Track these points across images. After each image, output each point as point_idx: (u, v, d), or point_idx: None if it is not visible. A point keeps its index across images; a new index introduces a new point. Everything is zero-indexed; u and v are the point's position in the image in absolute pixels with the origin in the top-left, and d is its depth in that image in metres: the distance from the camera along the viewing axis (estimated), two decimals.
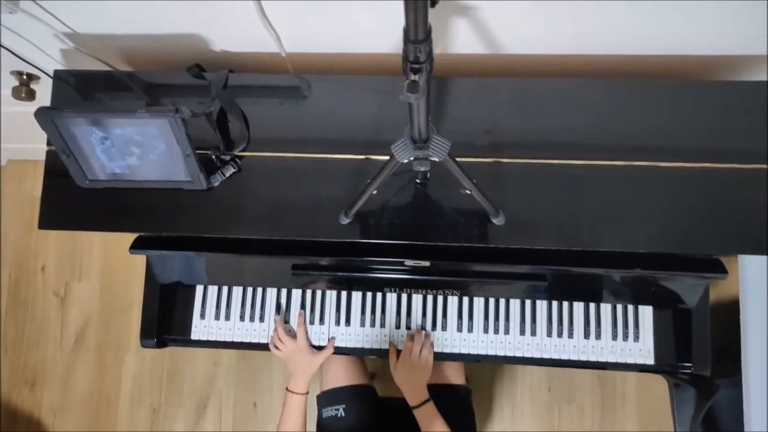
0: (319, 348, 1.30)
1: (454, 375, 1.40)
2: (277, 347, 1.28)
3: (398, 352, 1.28)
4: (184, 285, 1.34)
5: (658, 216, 1.02)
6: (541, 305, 1.29)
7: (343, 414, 1.31)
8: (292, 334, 1.29)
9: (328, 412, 1.32)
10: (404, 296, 1.31)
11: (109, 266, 2.18)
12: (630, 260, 1.16)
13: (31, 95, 1.21)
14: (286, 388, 1.24)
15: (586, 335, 1.27)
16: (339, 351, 1.31)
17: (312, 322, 1.31)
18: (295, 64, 1.21)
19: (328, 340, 1.31)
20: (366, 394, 1.39)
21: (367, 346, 1.30)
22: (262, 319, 1.33)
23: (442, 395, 1.22)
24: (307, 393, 1.25)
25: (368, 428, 1.31)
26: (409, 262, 1.23)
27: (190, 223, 1.08)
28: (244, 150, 1.08)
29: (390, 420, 1.39)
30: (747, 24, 0.96)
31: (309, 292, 1.33)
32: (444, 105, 1.07)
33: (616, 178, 1.03)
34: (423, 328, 1.30)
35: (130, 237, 1.27)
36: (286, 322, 1.32)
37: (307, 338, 1.29)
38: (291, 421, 1.22)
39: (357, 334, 1.31)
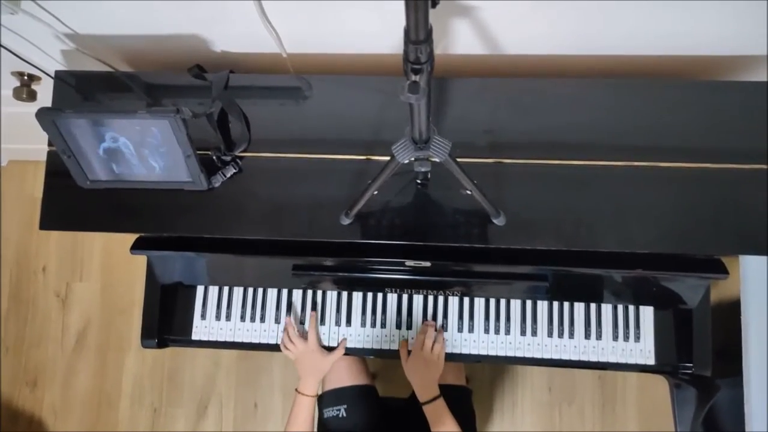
0: (330, 349, 1.29)
1: (454, 375, 1.40)
2: (287, 348, 1.27)
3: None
4: (185, 285, 1.34)
5: (658, 216, 1.02)
6: (542, 305, 1.29)
7: (344, 414, 1.31)
8: (302, 336, 1.28)
9: (330, 412, 1.32)
10: (405, 297, 1.31)
11: (110, 267, 2.18)
12: (631, 261, 1.16)
13: (32, 96, 1.21)
14: (296, 390, 1.23)
15: (587, 335, 1.27)
16: None
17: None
18: (295, 65, 1.21)
19: (339, 341, 1.30)
20: (367, 394, 1.39)
21: (368, 346, 1.30)
22: (262, 319, 1.33)
23: (442, 395, 1.21)
24: (317, 395, 1.24)
25: (370, 428, 1.31)
26: (409, 263, 1.23)
27: (190, 224, 1.08)
28: (244, 150, 1.08)
29: (391, 420, 1.39)
30: (747, 24, 0.96)
31: (310, 293, 1.33)
32: (445, 105, 1.07)
33: (617, 178, 1.03)
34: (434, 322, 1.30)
35: (130, 237, 1.27)
36: (302, 322, 1.32)
37: (318, 340, 1.28)
38: (299, 423, 1.21)
39: (358, 335, 1.31)
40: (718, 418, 1.41)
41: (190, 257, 1.29)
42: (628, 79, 1.08)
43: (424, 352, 1.22)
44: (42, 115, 0.93)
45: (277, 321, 1.32)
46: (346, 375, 1.37)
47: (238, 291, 1.34)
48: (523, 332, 1.28)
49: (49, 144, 1.09)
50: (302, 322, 1.32)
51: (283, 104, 1.10)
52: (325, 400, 1.36)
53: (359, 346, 1.30)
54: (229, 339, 1.33)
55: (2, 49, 1.06)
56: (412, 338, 1.28)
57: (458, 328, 1.29)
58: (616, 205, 1.03)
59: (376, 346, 1.30)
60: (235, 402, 2.08)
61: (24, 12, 0.96)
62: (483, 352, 1.28)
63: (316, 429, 1.33)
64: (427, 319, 1.30)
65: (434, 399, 1.19)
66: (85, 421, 2.11)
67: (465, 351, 1.28)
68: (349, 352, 1.30)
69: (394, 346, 1.29)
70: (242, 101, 1.10)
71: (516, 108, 1.07)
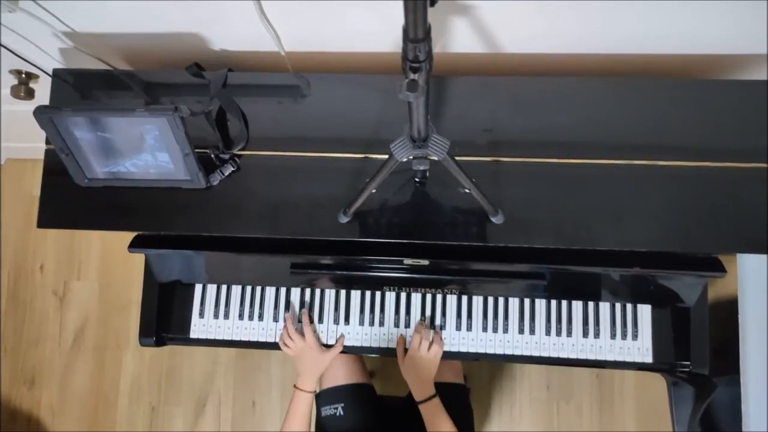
0: (328, 346, 1.29)
1: (452, 374, 1.40)
2: (286, 345, 1.27)
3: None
4: (183, 284, 1.34)
5: (657, 215, 1.02)
6: (540, 304, 1.29)
7: (341, 413, 1.31)
8: (301, 332, 1.29)
9: (327, 410, 1.32)
10: (403, 295, 1.32)
11: (108, 265, 2.18)
12: (629, 259, 1.16)
13: (30, 94, 1.21)
14: (294, 386, 1.24)
15: (585, 334, 1.27)
16: None
17: (311, 321, 1.31)
18: (294, 63, 1.21)
19: (337, 338, 1.31)
20: (365, 392, 1.39)
21: (366, 344, 1.30)
22: (261, 317, 1.33)
23: (439, 394, 1.21)
24: (315, 391, 1.25)
25: (367, 427, 1.31)
26: (408, 261, 1.23)
27: (188, 222, 1.08)
28: (243, 149, 1.08)
29: (389, 419, 1.39)
30: (747, 23, 0.97)
31: (308, 291, 1.33)
32: (443, 104, 1.07)
33: (616, 176, 1.04)
34: (432, 324, 1.30)
35: (128, 236, 1.27)
36: (300, 321, 1.32)
37: (316, 336, 1.28)
38: (297, 419, 1.21)
39: (356, 333, 1.31)
40: (715, 417, 1.42)
41: (188, 255, 1.29)
42: (627, 78, 1.08)
43: (421, 350, 1.22)
44: (40, 113, 0.93)
45: (276, 319, 1.32)
46: (343, 373, 1.37)
47: (236, 289, 1.34)
48: (521, 330, 1.28)
49: (47, 142, 1.08)
50: (300, 321, 1.32)
51: (282, 102, 1.10)
52: (322, 398, 1.36)
53: (357, 344, 1.30)
54: (227, 337, 1.33)
55: (0, 47, 1.06)
56: (410, 336, 1.29)
57: (456, 327, 1.29)
58: (614, 204, 1.03)
59: (374, 345, 1.30)
60: (233, 400, 2.08)
61: (22, 10, 0.96)
62: (481, 351, 1.28)
63: (313, 428, 1.33)
64: (424, 318, 1.30)
65: (430, 398, 1.19)
66: (83, 420, 2.11)
67: (463, 349, 1.28)
68: (347, 350, 1.31)
69: (393, 345, 1.29)
70: (241, 99, 1.09)
71: (515, 106, 1.07)
